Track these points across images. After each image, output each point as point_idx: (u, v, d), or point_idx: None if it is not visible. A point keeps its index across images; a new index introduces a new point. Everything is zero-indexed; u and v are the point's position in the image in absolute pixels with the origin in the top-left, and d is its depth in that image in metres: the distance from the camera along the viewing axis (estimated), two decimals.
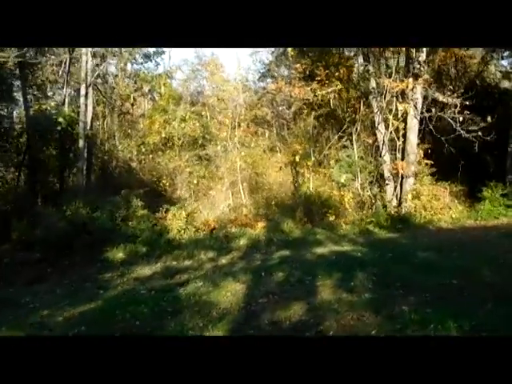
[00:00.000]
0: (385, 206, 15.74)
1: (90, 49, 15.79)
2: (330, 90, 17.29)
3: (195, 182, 16.97)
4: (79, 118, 15.90)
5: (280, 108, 22.04)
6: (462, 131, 14.81)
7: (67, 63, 17.01)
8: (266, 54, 25.39)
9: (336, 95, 17.34)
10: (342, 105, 17.56)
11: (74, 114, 16.14)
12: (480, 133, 14.40)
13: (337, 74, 17.41)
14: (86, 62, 16.10)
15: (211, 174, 16.89)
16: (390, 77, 15.97)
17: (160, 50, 30.90)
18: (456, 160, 19.27)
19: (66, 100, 17.08)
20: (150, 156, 18.40)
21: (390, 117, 16.47)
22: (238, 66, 36.84)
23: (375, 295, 6.01)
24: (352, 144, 16.64)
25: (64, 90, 17.54)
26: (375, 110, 16.64)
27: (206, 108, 19.79)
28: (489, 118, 14.34)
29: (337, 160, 16.95)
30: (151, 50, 30.08)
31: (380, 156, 16.90)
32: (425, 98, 16.33)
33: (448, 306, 5.26)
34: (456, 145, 20.41)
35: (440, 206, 15.91)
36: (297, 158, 15.32)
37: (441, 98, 15.47)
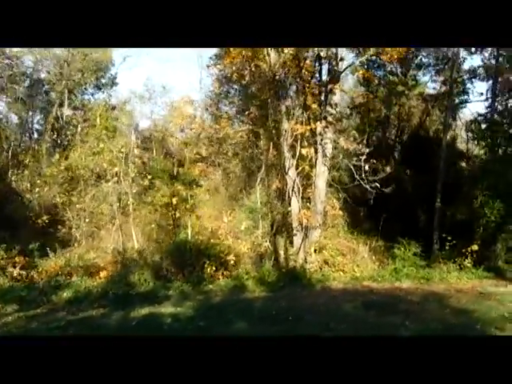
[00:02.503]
0: (276, 259, 14.10)
1: None
2: (240, 130, 16.06)
3: (85, 220, 15.36)
4: None
5: None
6: (361, 181, 13.29)
7: None
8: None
9: (246, 135, 16.04)
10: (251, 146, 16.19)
11: None
12: (378, 184, 12.84)
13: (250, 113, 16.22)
14: None
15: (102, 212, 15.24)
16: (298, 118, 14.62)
17: (112, 81, 30.48)
18: (379, 213, 18.06)
19: None
20: (46, 188, 16.85)
21: (300, 161, 15.15)
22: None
23: None
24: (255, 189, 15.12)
25: None
26: (286, 154, 15.20)
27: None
28: (388, 169, 12.87)
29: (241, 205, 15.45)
30: (103, 80, 29.67)
31: (288, 204, 15.39)
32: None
33: None
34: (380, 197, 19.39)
35: (345, 262, 14.25)
36: (174, 201, 13.72)
37: (345, 144, 13.96)
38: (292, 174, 15.15)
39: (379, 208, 18.97)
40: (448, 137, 20.26)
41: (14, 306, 8.72)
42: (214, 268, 12.44)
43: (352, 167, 13.63)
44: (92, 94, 28.85)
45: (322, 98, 14.69)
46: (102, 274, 10.91)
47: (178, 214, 13.75)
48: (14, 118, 26.42)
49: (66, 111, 25.92)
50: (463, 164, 18.53)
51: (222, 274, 12.47)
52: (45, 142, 21.78)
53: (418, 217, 17.67)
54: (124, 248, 13.73)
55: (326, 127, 14.48)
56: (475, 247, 14.19)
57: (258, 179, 15.03)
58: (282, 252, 14.96)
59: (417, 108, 21.85)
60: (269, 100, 15.30)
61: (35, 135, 26.49)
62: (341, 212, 16.05)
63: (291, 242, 15.27)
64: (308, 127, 14.00)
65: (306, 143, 14.56)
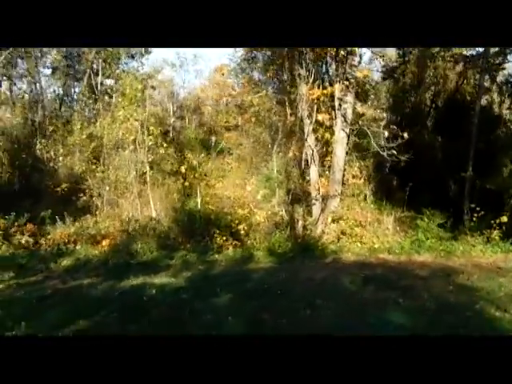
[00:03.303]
0: (292, 229, 13.74)
1: None
2: (256, 96, 15.56)
3: (105, 188, 15.49)
4: None
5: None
6: (378, 148, 12.60)
7: None
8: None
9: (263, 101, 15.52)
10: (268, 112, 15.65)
11: None
12: (395, 151, 12.11)
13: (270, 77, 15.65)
14: None
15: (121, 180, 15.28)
16: (314, 82, 13.95)
17: (147, 49, 30.49)
18: (408, 182, 17.28)
19: None
20: (68, 157, 17.07)
21: (320, 128, 14.58)
22: None
23: None
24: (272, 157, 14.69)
25: None
26: (304, 120, 14.63)
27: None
28: (405, 135, 12.07)
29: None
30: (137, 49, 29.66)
31: (307, 172, 14.94)
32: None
33: None
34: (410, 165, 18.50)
35: (364, 233, 13.73)
36: (182, 169, 13.49)
37: (361, 109, 13.20)
38: (311, 141, 14.63)
39: (407, 177, 18.22)
40: (485, 101, 19.01)
41: (10, 273, 8.83)
42: (223, 238, 12.23)
43: (369, 133, 12.90)
44: (126, 64, 28.92)
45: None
46: (105, 242, 10.91)
47: (189, 183, 13.48)
48: (49, 89, 26.97)
49: (98, 80, 26.06)
50: (499, 130, 17.23)
51: (233, 243, 12.23)
52: (76, 112, 22.05)
53: (448, 186, 16.69)
54: (135, 217, 13.71)
55: (346, 91, 13.75)
56: (504, 219, 13.29)
57: (275, 147, 14.51)
58: (299, 222, 14.58)
59: (453, 71, 20.44)
60: (286, 63, 14.69)
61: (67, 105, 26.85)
62: (362, 181, 15.40)
63: (310, 212, 14.90)
64: (324, 91, 13.28)
65: (323, 108, 13.86)
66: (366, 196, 15.92)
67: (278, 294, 7.23)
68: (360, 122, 13.57)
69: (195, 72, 32.13)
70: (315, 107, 13.66)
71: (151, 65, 27.23)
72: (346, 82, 13.32)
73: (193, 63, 30.03)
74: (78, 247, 10.74)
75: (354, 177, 15.45)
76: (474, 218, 14.10)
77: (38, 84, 26.24)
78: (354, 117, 13.92)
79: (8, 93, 23.37)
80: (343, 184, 14.87)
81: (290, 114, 14.84)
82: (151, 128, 14.86)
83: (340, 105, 13.93)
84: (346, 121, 13.92)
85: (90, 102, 20.09)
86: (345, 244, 13.30)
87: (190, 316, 5.87)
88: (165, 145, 15.09)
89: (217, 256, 11.29)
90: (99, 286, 7.98)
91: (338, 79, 13.59)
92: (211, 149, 24.13)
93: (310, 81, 13.41)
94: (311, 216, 14.73)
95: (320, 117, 13.36)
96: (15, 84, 24.17)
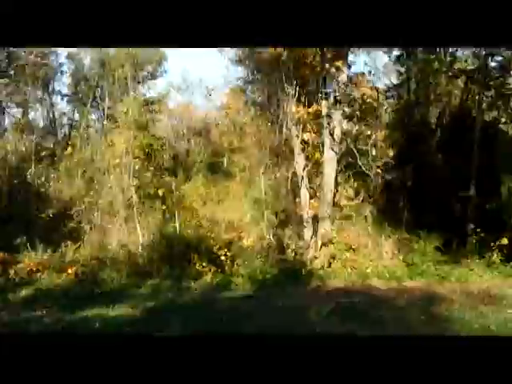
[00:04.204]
0: (282, 254, 13.14)
1: None
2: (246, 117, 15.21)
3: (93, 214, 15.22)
4: None
5: None
6: (363, 167, 11.98)
7: None
8: None
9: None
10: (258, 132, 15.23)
11: None
12: (379, 170, 11.49)
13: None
14: None
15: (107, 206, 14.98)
16: (300, 100, 13.51)
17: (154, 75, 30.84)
18: (407, 202, 16.58)
19: None
20: (58, 182, 16.90)
21: (310, 148, 14.10)
22: None
23: None
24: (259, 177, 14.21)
25: None
26: (294, 139, 14.16)
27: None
28: (391, 153, 11.45)
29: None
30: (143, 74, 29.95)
31: (296, 194, 14.40)
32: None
33: None
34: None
35: (356, 257, 13.04)
36: (160, 192, 13.08)
37: (347, 126, 12.64)
38: (300, 160, 14.13)
39: (409, 197, 17.50)
40: (491, 117, 18.23)
41: None
42: (203, 264, 11.70)
43: (355, 151, 12.31)
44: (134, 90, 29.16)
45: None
46: (71, 270, 10.47)
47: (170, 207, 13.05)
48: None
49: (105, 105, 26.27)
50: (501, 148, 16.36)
51: (213, 270, 11.68)
52: (77, 137, 22.11)
53: (450, 207, 15.86)
54: (122, 242, 13.33)
55: (333, 108, 13.25)
56: (505, 241, 12.43)
57: (262, 167, 14.02)
58: (288, 246, 13.98)
59: (456, 87, 19.74)
60: (275, 82, 14.34)
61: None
62: (357, 202, 14.75)
63: (301, 235, 14.32)
64: (310, 109, 12.80)
65: (309, 127, 13.36)
66: (365, 217, 15.25)
67: (221, 329, 6.64)
68: (348, 141, 12.95)
69: (201, 95, 32.10)
70: (301, 126, 13.13)
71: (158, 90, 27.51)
72: (332, 99, 12.78)
73: (199, 87, 29.94)
74: (44, 276, 10.31)
75: (347, 198, 14.80)
76: (474, 240, 13.26)
77: (51, 110, 26.84)
78: (342, 135, 13.34)
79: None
80: (335, 205, 14.21)
81: (279, 133, 14.34)
82: (136, 151, 14.53)
83: (329, 123, 13.40)
84: (334, 140, 13.36)
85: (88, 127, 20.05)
86: (335, 269, 12.59)
87: None
88: (151, 168, 14.70)
89: (193, 283, 10.73)
90: (46, 318, 7.51)
91: (323, 96, 13.06)
92: (219, 171, 23.91)
93: (295, 99, 12.89)
94: (302, 239, 14.12)
95: (305, 136, 12.77)
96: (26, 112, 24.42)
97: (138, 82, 29.49)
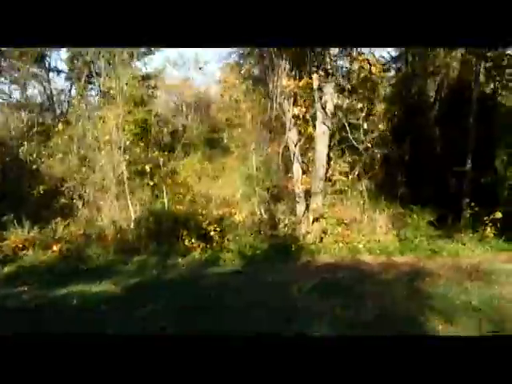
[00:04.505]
0: (274, 229, 13.03)
1: None
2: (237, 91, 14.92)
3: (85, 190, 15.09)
4: None
5: None
6: (354, 142, 11.76)
7: None
8: None
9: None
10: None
11: None
12: (369, 144, 11.26)
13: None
14: None
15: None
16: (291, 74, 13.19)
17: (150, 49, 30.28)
18: (401, 177, 16.40)
19: None
20: (50, 159, 16.72)
21: (302, 122, 13.83)
22: None
23: None
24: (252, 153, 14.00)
25: None
26: (286, 114, 13.87)
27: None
28: (380, 126, 11.19)
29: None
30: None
31: (289, 169, 14.22)
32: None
33: None
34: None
35: (347, 232, 12.92)
36: (147, 168, 12.90)
37: (337, 100, 12.35)
38: (293, 135, 13.89)
39: (407, 172, 17.31)
40: (490, 90, 17.84)
41: None
42: (192, 240, 11.61)
43: (347, 126, 12.06)
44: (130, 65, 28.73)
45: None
46: (56, 247, 10.39)
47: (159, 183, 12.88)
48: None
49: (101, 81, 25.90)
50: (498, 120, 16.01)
51: (202, 246, 11.60)
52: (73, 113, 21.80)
53: (446, 181, 15.67)
54: (114, 219, 13.24)
55: (324, 81, 12.94)
56: (498, 215, 12.26)
57: (253, 143, 13.80)
58: (281, 221, 13.87)
59: (455, 58, 19.28)
60: (264, 55, 13.99)
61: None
62: (352, 177, 14.55)
63: (294, 211, 14.20)
64: (300, 83, 12.50)
65: (301, 101, 13.08)
66: (360, 192, 15.10)
67: (209, 304, 6.57)
68: (340, 115, 12.68)
69: (198, 71, 31.64)
70: (291, 100, 12.86)
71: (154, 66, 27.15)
72: (322, 72, 12.46)
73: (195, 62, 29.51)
74: (29, 253, 10.24)
75: (340, 173, 14.59)
76: (468, 215, 13.11)
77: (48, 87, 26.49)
78: (335, 109, 13.07)
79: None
80: (328, 181, 14.04)
81: (270, 109, 14.05)
82: (127, 127, 14.30)
83: (320, 97, 13.12)
84: (326, 114, 13.09)
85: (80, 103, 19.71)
86: (327, 244, 12.49)
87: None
88: (141, 144, 14.49)
89: (180, 259, 10.65)
90: (25, 295, 7.44)
91: (314, 69, 12.74)
92: (217, 147, 23.67)
93: (286, 72, 12.58)
94: (295, 215, 14.00)
95: (296, 110, 12.50)
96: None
97: (134, 58, 29.07)
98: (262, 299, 6.82)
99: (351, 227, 13.27)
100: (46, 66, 26.84)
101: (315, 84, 12.95)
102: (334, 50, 13.01)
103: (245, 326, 5.44)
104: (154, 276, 9.03)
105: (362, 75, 13.92)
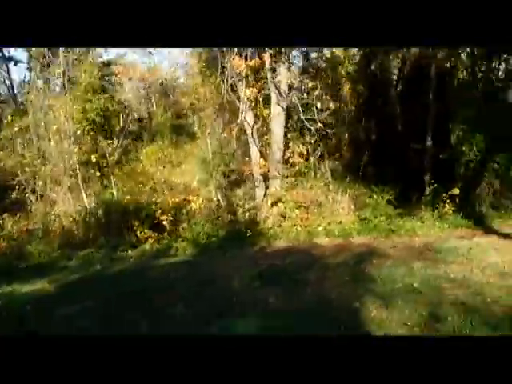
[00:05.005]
0: (233, 215, 12.69)
1: None
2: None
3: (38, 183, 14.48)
4: None
5: None
6: (306, 122, 11.44)
7: None
8: None
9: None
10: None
11: None
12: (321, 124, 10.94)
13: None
14: None
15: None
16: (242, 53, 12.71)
17: None
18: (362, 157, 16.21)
19: None
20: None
21: (259, 104, 13.44)
22: None
23: None
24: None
25: None
26: (241, 96, 13.42)
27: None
28: (331, 105, 10.88)
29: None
30: None
31: (246, 153, 13.85)
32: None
33: None
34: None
35: (305, 215, 12.65)
36: (93, 158, 12.40)
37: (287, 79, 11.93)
38: (249, 118, 13.49)
39: (362, 152, 17.14)
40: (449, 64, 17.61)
41: None
42: (144, 230, 11.20)
43: (299, 105, 11.71)
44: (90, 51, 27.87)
45: None
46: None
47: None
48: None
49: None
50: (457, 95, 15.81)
51: (154, 236, 11.19)
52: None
53: (404, 159, 15.49)
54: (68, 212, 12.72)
55: (276, 61, 12.53)
56: (456, 191, 12.12)
57: (209, 127, 13.35)
58: (242, 206, 13.54)
59: None
60: None
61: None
62: (313, 159, 14.28)
63: (253, 196, 13.89)
64: (251, 63, 12.06)
65: (253, 82, 12.67)
66: (322, 174, 14.86)
67: (136, 302, 6.20)
68: (294, 95, 12.31)
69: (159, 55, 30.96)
70: (243, 82, 12.43)
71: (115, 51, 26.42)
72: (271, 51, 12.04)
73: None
74: None
75: (300, 155, 14.29)
76: (428, 192, 12.97)
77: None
78: (289, 89, 12.69)
79: None
80: (286, 163, 13.73)
81: (226, 91, 13.58)
82: (81, 116, 13.70)
83: (273, 77, 12.72)
84: (280, 94, 12.71)
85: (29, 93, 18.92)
86: (285, 228, 12.22)
87: None
88: (91, 133, 13.92)
89: (130, 251, 10.25)
90: None
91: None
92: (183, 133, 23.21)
93: (235, 53, 12.11)
94: (254, 199, 13.68)
95: (248, 92, 12.08)
96: None
97: None
98: (198, 292, 6.50)
99: (311, 210, 13.00)
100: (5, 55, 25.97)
101: (267, 64, 12.53)
102: None
103: (167, 326, 5.08)
104: (96, 271, 8.62)
105: (324, 54, 13.60)
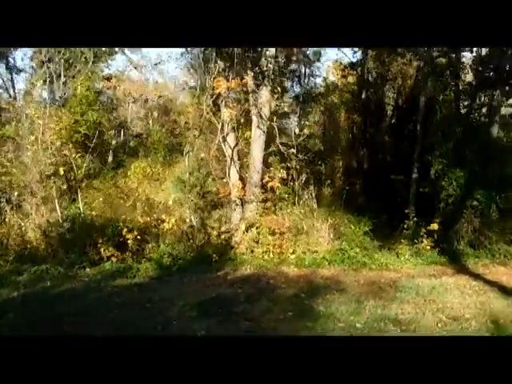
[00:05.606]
0: (205, 237, 12.34)
1: None
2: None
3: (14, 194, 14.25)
4: None
5: None
6: (280, 145, 11.17)
7: None
8: None
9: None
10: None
11: None
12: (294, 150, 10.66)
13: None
14: None
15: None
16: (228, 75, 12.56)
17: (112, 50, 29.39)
18: (347, 185, 15.90)
19: None
20: None
21: (242, 126, 13.21)
22: None
23: None
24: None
25: None
26: (223, 117, 13.19)
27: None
28: (305, 131, 10.61)
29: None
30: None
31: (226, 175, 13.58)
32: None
33: None
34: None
35: (279, 242, 12.25)
36: (61, 171, 12.14)
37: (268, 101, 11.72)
38: (230, 139, 13.25)
39: (355, 181, 16.88)
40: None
41: None
42: (108, 249, 10.85)
43: (276, 129, 11.46)
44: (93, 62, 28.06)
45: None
46: None
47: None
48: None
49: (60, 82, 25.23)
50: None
51: (117, 255, 10.83)
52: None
53: (390, 190, 15.16)
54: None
55: (261, 84, 12.34)
56: (435, 226, 11.71)
57: (187, 147, 13.11)
58: (217, 229, 13.19)
59: (411, 66, 18.86)
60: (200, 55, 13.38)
61: None
62: (289, 184, 13.95)
63: (229, 218, 13.57)
64: (232, 84, 11.86)
65: (233, 104, 12.46)
66: (304, 201, 14.53)
67: (48, 322, 5.84)
68: (275, 119, 12.08)
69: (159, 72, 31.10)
70: (223, 102, 12.22)
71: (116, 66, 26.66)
72: (252, 73, 11.85)
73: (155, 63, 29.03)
74: None
75: (281, 180, 13.95)
76: (407, 226, 12.57)
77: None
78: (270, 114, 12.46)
79: None
80: (265, 187, 13.41)
81: (208, 111, 13.38)
82: (57, 128, 13.53)
83: (255, 100, 12.52)
84: (261, 117, 12.47)
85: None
86: (256, 254, 11.82)
87: None
88: (71, 146, 13.73)
89: (88, 270, 9.88)
90: None
91: (249, 70, 12.13)
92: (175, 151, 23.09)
93: (216, 73, 11.93)
94: (230, 223, 13.34)
95: (227, 112, 11.85)
96: None
97: (96, 57, 28.32)
98: (119, 318, 6.10)
99: (287, 237, 12.60)
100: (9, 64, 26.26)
101: (250, 85, 12.33)
102: (271, 51, 12.41)
103: None
104: (42, 288, 8.25)
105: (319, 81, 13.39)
